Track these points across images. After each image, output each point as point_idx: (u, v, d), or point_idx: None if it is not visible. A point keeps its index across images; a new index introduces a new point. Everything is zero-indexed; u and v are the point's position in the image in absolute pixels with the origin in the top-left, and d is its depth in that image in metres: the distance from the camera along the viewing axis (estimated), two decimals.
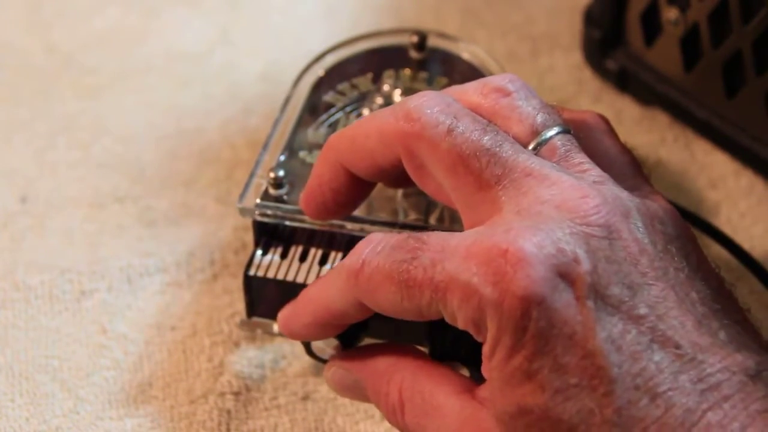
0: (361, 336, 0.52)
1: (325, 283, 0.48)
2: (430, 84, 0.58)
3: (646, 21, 0.64)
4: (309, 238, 0.53)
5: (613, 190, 0.45)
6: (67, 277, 0.59)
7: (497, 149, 0.45)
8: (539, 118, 0.47)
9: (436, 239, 0.44)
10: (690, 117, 0.64)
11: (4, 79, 0.69)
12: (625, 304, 0.42)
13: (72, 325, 0.57)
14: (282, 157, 0.55)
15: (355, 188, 0.50)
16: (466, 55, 0.60)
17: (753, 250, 0.59)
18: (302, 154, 0.55)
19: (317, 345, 0.52)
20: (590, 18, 0.67)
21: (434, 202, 0.54)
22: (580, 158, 0.46)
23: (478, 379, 0.50)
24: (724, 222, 0.61)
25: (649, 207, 0.45)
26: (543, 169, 0.45)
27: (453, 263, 0.43)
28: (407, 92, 0.58)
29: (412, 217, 0.54)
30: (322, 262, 0.53)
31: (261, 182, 0.54)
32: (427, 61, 0.60)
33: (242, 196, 0.53)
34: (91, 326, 0.57)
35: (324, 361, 0.52)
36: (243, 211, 0.53)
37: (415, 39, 0.60)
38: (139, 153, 0.65)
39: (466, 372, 0.50)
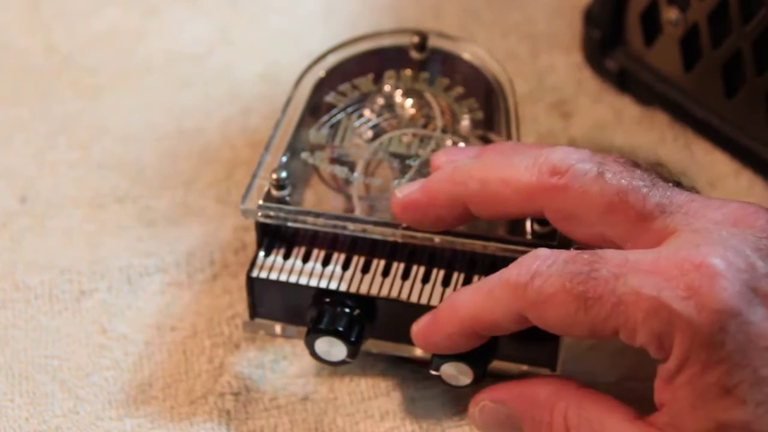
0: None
1: (476, 293, 0.48)
2: (432, 84, 0.58)
3: (645, 21, 0.64)
4: (312, 240, 0.53)
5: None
6: (67, 277, 0.59)
7: (653, 183, 0.47)
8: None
9: (612, 254, 0.45)
10: (690, 117, 0.64)
11: (4, 79, 0.69)
12: None
13: (72, 325, 0.57)
14: (284, 158, 0.55)
15: (463, 218, 0.50)
16: (467, 56, 0.60)
17: None
18: (304, 155, 0.55)
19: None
20: (590, 18, 0.67)
21: None
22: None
23: (480, 377, 0.50)
24: None
25: None
26: (701, 195, 0.47)
27: (637, 277, 0.43)
28: (408, 93, 0.58)
29: None
30: (325, 263, 0.53)
31: (263, 183, 0.54)
32: (428, 62, 0.60)
33: (245, 197, 0.53)
34: (91, 326, 0.57)
35: (326, 363, 0.52)
36: (246, 213, 0.53)
37: (415, 39, 0.60)
38: (139, 153, 0.65)
39: (467, 370, 0.50)
